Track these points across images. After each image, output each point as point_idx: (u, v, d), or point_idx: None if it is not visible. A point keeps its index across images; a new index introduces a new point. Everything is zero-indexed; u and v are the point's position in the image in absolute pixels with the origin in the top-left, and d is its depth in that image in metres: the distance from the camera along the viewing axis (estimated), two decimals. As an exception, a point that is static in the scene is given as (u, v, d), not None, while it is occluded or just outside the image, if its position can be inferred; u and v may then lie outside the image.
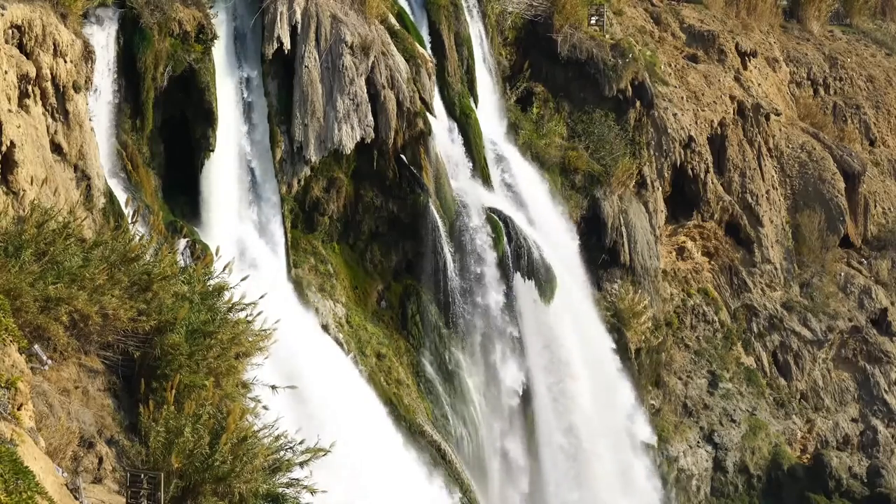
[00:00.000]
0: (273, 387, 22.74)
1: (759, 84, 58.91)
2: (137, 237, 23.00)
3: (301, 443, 20.27)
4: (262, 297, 23.23)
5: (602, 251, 47.40)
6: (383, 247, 40.22)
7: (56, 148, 29.08)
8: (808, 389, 54.86)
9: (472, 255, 40.44)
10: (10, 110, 26.77)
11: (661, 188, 50.91)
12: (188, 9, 34.56)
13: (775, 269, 55.56)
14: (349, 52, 37.61)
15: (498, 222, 41.18)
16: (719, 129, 54.21)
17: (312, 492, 20.27)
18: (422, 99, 39.57)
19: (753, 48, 59.57)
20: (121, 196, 31.18)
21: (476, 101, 44.29)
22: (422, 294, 40.19)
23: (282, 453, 20.06)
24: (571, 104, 49.33)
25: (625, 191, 48.46)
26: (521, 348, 41.75)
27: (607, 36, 50.68)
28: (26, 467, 14.32)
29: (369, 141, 38.21)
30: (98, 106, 32.24)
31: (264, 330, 22.49)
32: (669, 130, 51.06)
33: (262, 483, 19.17)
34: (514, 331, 41.37)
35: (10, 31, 27.81)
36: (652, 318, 48.86)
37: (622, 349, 46.56)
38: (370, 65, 38.09)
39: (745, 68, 58.61)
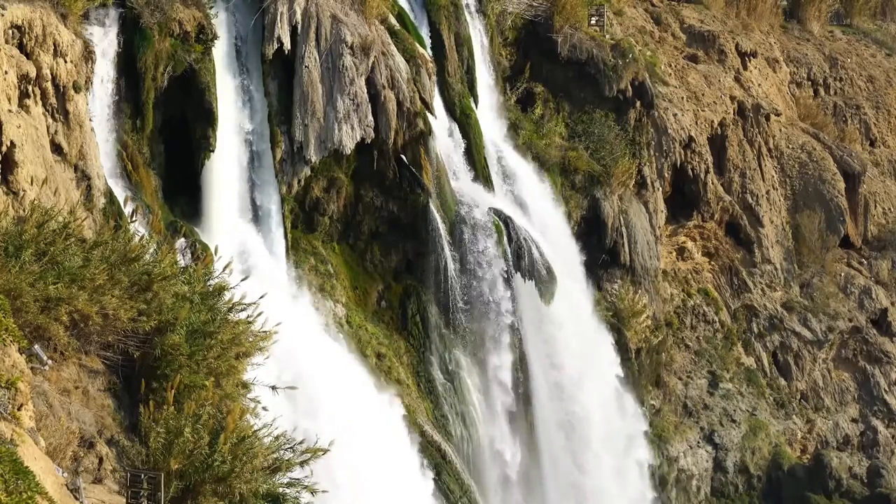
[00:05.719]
0: (273, 387, 22.74)
1: (759, 84, 58.88)
2: (137, 237, 22.99)
3: (301, 443, 20.26)
4: (262, 297, 23.22)
5: (602, 251, 47.38)
6: (383, 247, 40.21)
7: (56, 148, 29.08)
8: (808, 390, 54.85)
9: (472, 255, 40.41)
10: (10, 110, 26.77)
11: (661, 188, 50.89)
12: (188, 9, 34.55)
13: (775, 269, 55.54)
14: (349, 53, 37.60)
15: (498, 222, 41.14)
16: (719, 129, 54.20)
17: (313, 492, 20.28)
18: (422, 99, 39.56)
19: (753, 48, 59.55)
20: (121, 196, 31.17)
21: (476, 101, 44.27)
22: (422, 294, 40.17)
23: (282, 453, 20.05)
24: (571, 104, 49.31)
25: (625, 191, 48.44)
26: (521, 348, 41.73)
27: (607, 36, 50.66)
28: (26, 467, 14.30)
29: (369, 141, 38.20)
30: (98, 106, 32.24)
31: (265, 330, 22.48)
32: (669, 130, 51.05)
33: (262, 483, 19.17)
34: (515, 331, 41.33)
35: (11, 32, 27.80)
36: (652, 318, 48.86)
37: (622, 349, 46.56)
38: (370, 65, 38.08)
39: (745, 68, 58.58)
